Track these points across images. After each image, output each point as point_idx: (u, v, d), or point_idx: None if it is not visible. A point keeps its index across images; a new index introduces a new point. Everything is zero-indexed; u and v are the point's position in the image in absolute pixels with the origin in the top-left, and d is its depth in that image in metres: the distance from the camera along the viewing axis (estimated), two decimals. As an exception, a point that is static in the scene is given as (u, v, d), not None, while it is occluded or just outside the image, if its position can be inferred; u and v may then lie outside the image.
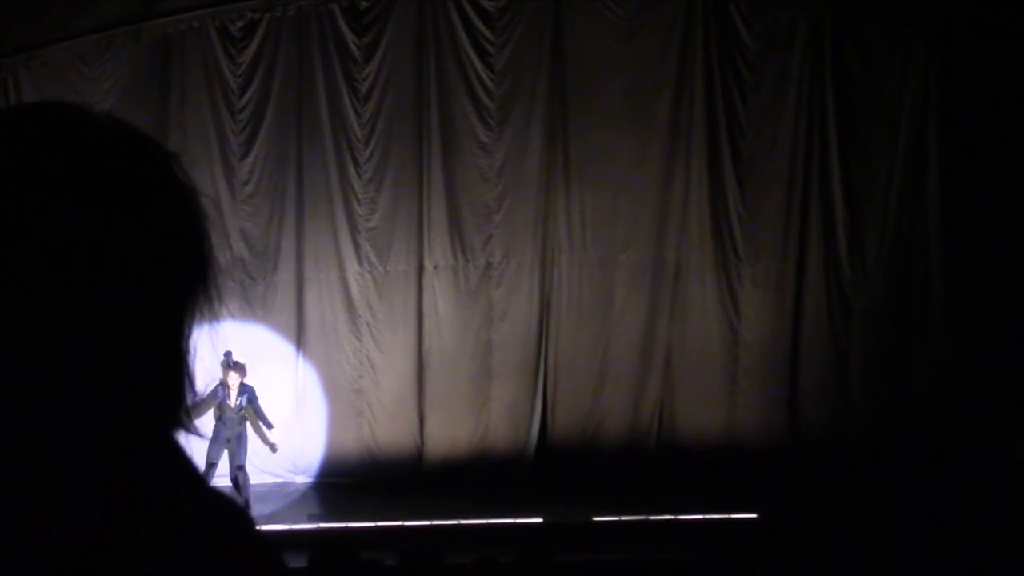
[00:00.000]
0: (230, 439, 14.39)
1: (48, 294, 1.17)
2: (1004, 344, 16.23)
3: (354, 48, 16.06)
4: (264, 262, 16.13)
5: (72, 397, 1.19)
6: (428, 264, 16.32)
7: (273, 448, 15.34)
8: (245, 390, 14.52)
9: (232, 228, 15.94)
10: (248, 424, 14.81)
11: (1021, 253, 16.15)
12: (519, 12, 16.23)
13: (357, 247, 16.21)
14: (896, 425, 16.36)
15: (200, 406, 13.38)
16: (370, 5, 16.05)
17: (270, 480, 15.97)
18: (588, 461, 16.21)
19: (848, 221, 16.67)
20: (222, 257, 15.81)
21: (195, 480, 1.32)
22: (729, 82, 16.52)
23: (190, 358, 1.31)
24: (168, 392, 1.29)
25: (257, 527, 1.37)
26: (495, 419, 16.43)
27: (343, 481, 16.06)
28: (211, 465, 14.15)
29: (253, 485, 14.81)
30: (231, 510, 1.33)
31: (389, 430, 16.29)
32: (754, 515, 14.44)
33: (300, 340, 16.25)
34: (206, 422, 14.29)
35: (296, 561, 9.03)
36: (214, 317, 1.32)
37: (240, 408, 14.46)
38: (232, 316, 15.73)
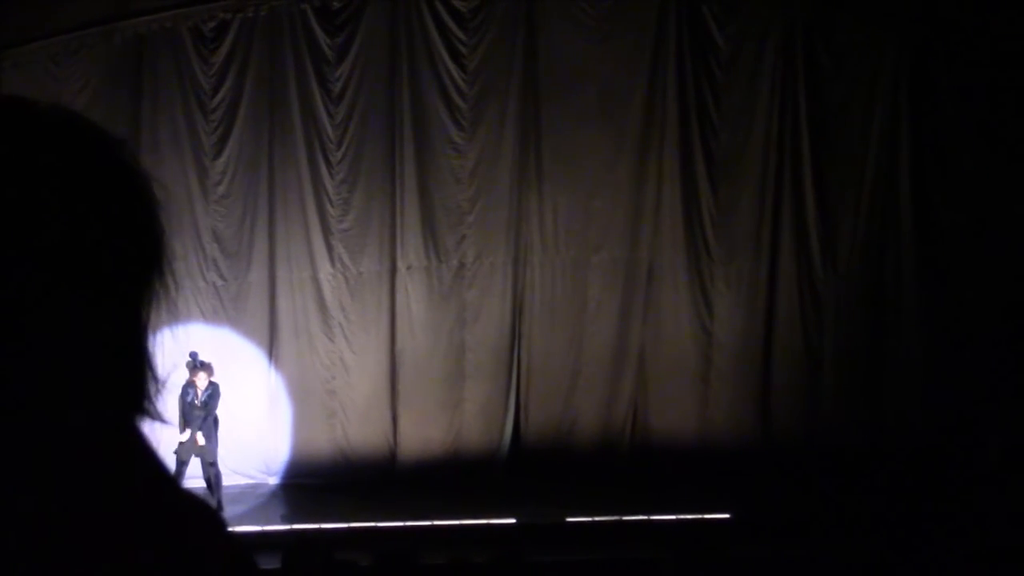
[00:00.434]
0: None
1: None
2: (976, 343, 16.30)
3: (326, 49, 16.03)
4: (236, 263, 16.09)
5: (28, 392, 1.17)
6: (401, 265, 16.30)
7: (195, 443, 14.47)
8: (211, 388, 14.48)
9: (204, 229, 15.90)
10: (217, 422, 14.71)
11: (993, 252, 16.23)
12: (491, 13, 16.23)
13: (330, 248, 16.18)
14: (868, 424, 16.42)
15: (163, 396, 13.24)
16: (342, 6, 16.02)
17: (243, 481, 15.93)
18: (561, 461, 16.21)
19: (820, 221, 16.73)
20: (194, 258, 15.79)
21: (165, 479, 1.31)
22: (702, 83, 16.56)
23: (150, 346, 1.29)
24: (130, 382, 1.26)
25: (229, 528, 1.36)
26: (468, 419, 16.43)
27: (316, 482, 16.00)
28: (182, 464, 14.12)
29: (225, 486, 14.77)
30: (201, 510, 1.32)
31: (362, 431, 16.27)
32: (727, 515, 14.48)
33: (273, 341, 16.21)
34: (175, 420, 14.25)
35: (269, 562, 9.00)
36: (171, 304, 1.31)
37: (205, 405, 14.41)
38: (205, 317, 15.70)
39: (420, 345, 16.37)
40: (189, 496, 1.32)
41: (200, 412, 14.33)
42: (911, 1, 16.59)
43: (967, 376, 16.25)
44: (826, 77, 16.67)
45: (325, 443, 16.21)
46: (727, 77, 16.59)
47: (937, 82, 16.55)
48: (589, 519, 14.61)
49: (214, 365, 14.61)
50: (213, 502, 12.74)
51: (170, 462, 12.91)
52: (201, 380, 14.36)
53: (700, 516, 14.53)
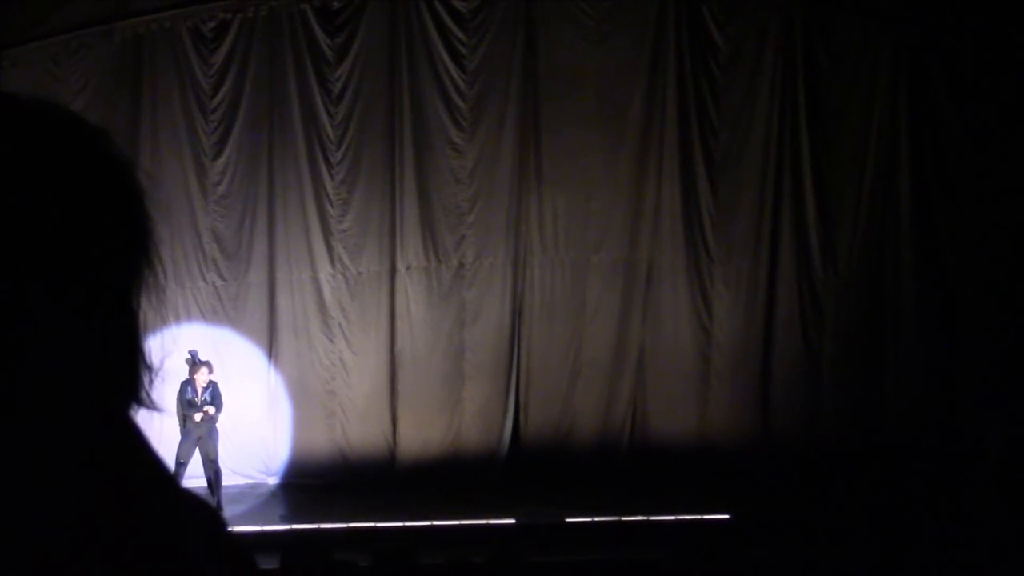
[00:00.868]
0: (201, 436, 14.33)
1: None
2: (975, 343, 16.32)
3: (326, 49, 16.03)
4: (236, 263, 16.08)
5: (23, 388, 1.16)
6: (400, 265, 16.30)
7: (204, 415, 14.45)
8: (211, 386, 14.47)
9: (204, 229, 15.90)
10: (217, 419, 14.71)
11: (992, 252, 16.25)
12: (491, 13, 16.22)
13: (329, 248, 16.18)
14: (868, 424, 16.43)
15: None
16: (342, 6, 16.02)
17: (242, 481, 15.93)
18: (560, 462, 16.21)
19: (820, 221, 16.73)
20: (194, 258, 15.80)
21: (164, 478, 1.30)
22: (701, 83, 16.55)
23: (141, 337, 1.29)
24: (123, 371, 1.26)
25: (228, 527, 1.36)
26: (468, 420, 16.42)
27: (315, 482, 16.01)
28: (181, 464, 14.11)
29: (225, 486, 14.77)
30: (201, 510, 1.32)
31: (361, 431, 16.27)
32: (726, 515, 14.47)
33: (272, 341, 16.20)
34: (174, 419, 14.24)
35: (269, 562, 9.00)
36: (159, 293, 1.30)
37: (206, 404, 14.39)
38: (204, 317, 15.70)
39: (419, 345, 16.37)
40: (189, 496, 1.32)
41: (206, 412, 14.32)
42: (910, 1, 16.59)
43: (967, 376, 16.26)
44: (825, 77, 16.67)
45: (324, 443, 16.20)
46: (727, 77, 16.58)
47: (936, 82, 16.55)
48: (588, 519, 14.60)
49: (213, 364, 14.62)
50: (213, 502, 12.73)
51: (170, 462, 12.90)
52: (201, 378, 14.36)
53: (700, 517, 14.52)
